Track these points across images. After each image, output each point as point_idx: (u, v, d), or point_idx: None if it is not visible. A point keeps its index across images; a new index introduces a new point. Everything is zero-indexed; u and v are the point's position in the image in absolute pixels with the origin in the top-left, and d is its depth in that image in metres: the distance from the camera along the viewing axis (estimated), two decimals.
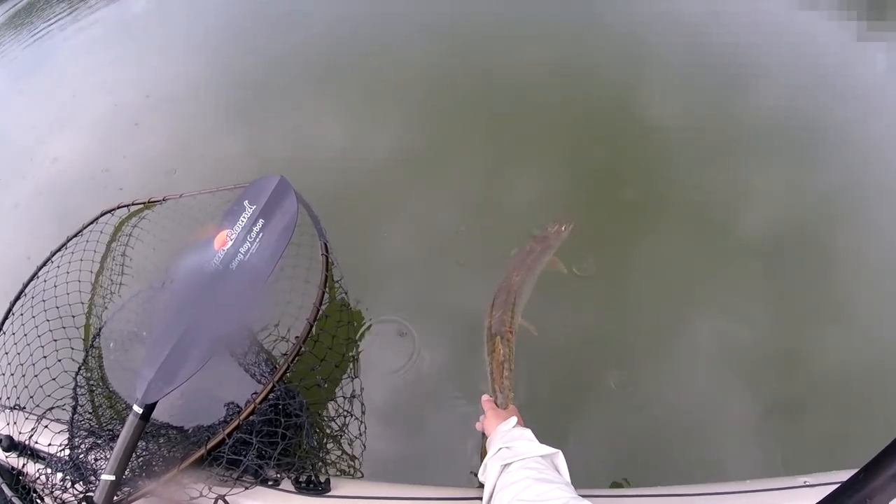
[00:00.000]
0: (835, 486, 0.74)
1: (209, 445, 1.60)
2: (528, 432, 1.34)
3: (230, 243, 1.83)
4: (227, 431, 1.60)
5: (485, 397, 1.66)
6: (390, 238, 2.69)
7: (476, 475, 1.30)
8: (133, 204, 2.71)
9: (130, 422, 1.62)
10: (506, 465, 1.17)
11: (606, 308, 2.34)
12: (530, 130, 3.13)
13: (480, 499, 1.21)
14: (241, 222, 1.88)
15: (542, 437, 1.31)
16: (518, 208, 2.75)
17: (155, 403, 1.64)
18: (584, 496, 0.99)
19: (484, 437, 1.50)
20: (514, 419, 1.41)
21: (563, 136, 3.08)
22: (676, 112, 3.13)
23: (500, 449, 1.25)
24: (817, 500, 0.74)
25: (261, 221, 1.86)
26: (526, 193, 2.80)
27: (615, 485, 1.86)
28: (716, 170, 2.86)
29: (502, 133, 3.13)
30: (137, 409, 1.62)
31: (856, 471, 0.72)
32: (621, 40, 3.58)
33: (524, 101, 3.28)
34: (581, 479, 1.83)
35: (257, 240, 1.82)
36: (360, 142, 3.22)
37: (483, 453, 1.36)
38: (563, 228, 2.36)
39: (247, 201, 1.93)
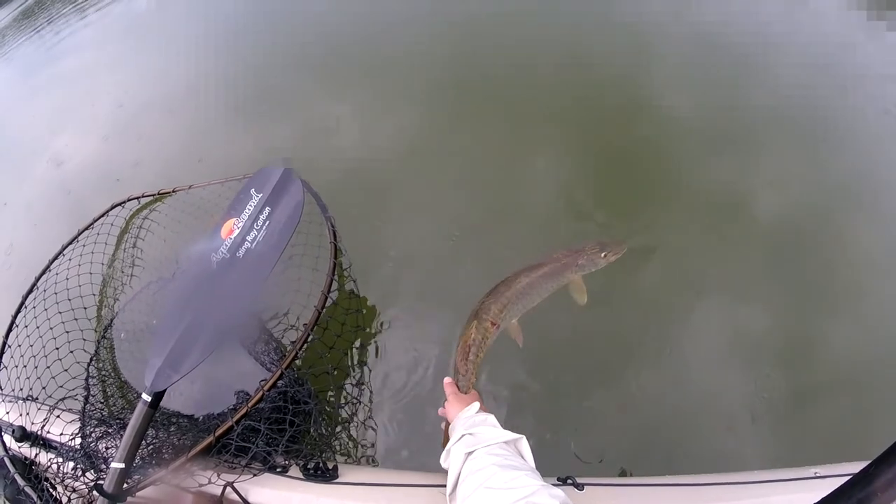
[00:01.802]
0: (845, 478, 0.72)
1: (218, 432, 1.60)
2: (491, 417, 1.31)
3: (237, 231, 1.82)
4: (235, 418, 1.60)
5: (447, 380, 1.62)
6: (400, 228, 2.67)
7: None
8: (143, 196, 2.72)
9: (139, 410, 1.62)
10: (470, 453, 1.14)
11: (615, 295, 2.30)
12: (541, 119, 3.08)
13: None
14: (247, 211, 1.87)
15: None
16: (528, 197, 2.71)
17: (163, 392, 1.64)
18: (595, 485, 0.96)
19: (446, 422, 1.48)
20: (476, 404, 1.38)
21: (573, 124, 3.03)
22: (687, 99, 3.06)
23: (463, 436, 1.22)
24: (828, 492, 0.73)
25: (267, 209, 1.85)
26: (536, 182, 2.76)
27: (624, 473, 1.84)
28: (727, 157, 2.80)
29: (511, 122, 3.09)
30: (146, 397, 1.62)
31: (866, 463, 0.71)
32: (632, 26, 3.52)
33: (534, 90, 3.24)
34: (593, 467, 1.83)
35: (264, 227, 1.81)
36: (371, 131, 3.22)
37: (445, 439, 1.33)
38: (603, 255, 2.15)
39: (253, 190, 1.93)
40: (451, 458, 1.19)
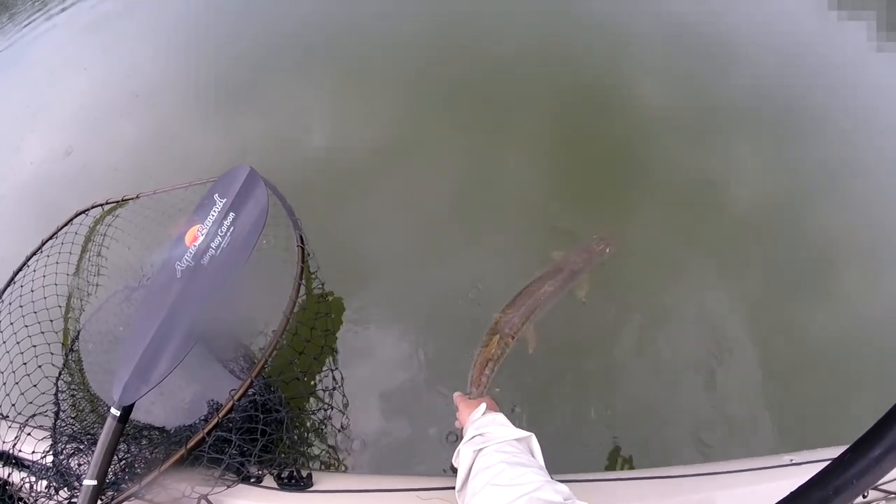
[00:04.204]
0: (820, 464, 0.73)
1: (189, 445, 1.57)
2: (501, 416, 1.32)
3: (201, 238, 1.78)
4: (206, 430, 1.57)
5: (456, 394, 1.63)
6: (374, 227, 2.65)
7: (451, 467, 1.27)
8: (107, 203, 2.65)
9: (108, 425, 1.58)
10: (479, 451, 1.14)
11: (593, 287, 2.30)
12: (515, 113, 3.07)
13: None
14: (211, 216, 1.82)
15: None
16: (504, 193, 2.71)
17: (132, 405, 1.61)
18: (567, 481, 0.97)
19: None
20: (483, 405, 1.38)
21: (548, 118, 3.02)
22: (661, 92, 3.09)
23: (473, 436, 1.23)
24: (803, 479, 0.73)
25: (231, 215, 1.80)
26: (511, 177, 2.76)
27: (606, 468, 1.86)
28: (702, 148, 2.84)
29: (487, 116, 3.08)
30: (115, 411, 1.58)
31: (841, 449, 0.72)
32: (605, 21, 3.50)
33: (508, 84, 3.21)
34: (568, 463, 1.84)
35: (228, 233, 1.76)
36: (342, 129, 3.16)
37: None
38: (606, 249, 2.27)
39: (217, 195, 1.87)
40: (460, 456, 1.20)
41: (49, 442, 1.87)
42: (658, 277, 2.38)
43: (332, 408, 1.85)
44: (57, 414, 2.02)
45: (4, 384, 2.09)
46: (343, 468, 1.85)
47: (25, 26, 5.46)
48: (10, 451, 1.87)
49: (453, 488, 1.17)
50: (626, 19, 3.49)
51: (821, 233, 2.51)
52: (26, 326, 2.29)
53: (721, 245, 2.48)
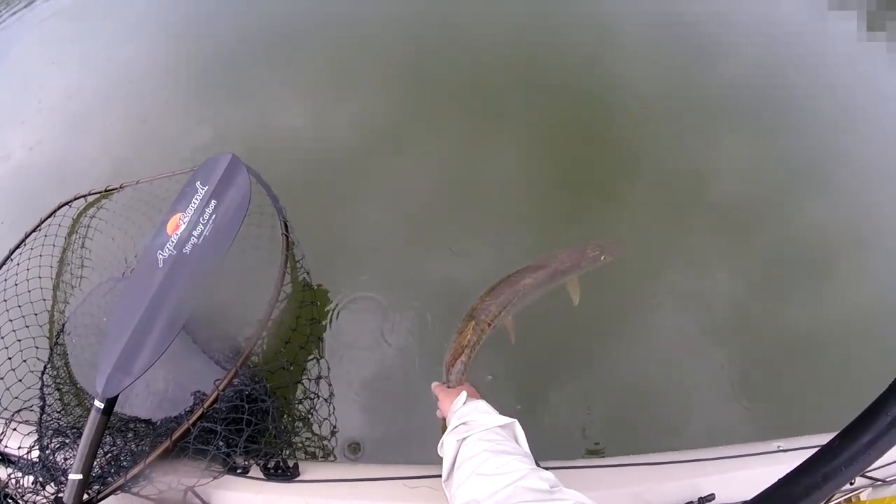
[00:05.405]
0: (808, 451, 0.72)
1: (175, 436, 1.55)
2: (482, 403, 1.31)
3: (183, 226, 1.75)
4: (191, 421, 1.55)
5: (434, 384, 1.63)
6: (362, 218, 2.62)
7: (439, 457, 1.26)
8: (90, 193, 2.61)
9: (92, 418, 1.56)
10: (463, 439, 1.13)
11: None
12: (501, 103, 3.05)
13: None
14: (193, 204, 1.79)
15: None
16: (490, 182, 2.69)
17: (116, 397, 1.58)
18: (553, 468, 0.95)
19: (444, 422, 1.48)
20: (464, 394, 1.37)
21: (534, 108, 3.00)
22: (649, 82, 3.07)
23: (457, 426, 1.22)
24: (792, 466, 0.71)
25: (213, 202, 1.77)
26: (498, 167, 2.74)
27: (591, 454, 1.85)
28: (690, 138, 2.83)
29: (472, 106, 3.04)
30: (99, 404, 1.56)
31: (829, 436, 0.71)
32: (591, 10, 3.46)
33: (495, 75, 3.17)
34: (556, 451, 1.83)
35: (210, 221, 1.74)
36: (328, 119, 3.11)
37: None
38: (602, 257, 2.20)
39: (198, 182, 1.84)
40: (444, 447, 1.19)
41: (35, 437, 1.84)
42: (648, 265, 2.38)
43: (318, 397, 1.83)
44: (42, 408, 2.00)
45: None
46: (330, 457, 1.84)
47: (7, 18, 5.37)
48: None
49: (440, 476, 1.16)
50: (611, 8, 3.46)
51: (809, 222, 2.52)
52: (10, 321, 2.26)
53: (709, 234, 2.49)
